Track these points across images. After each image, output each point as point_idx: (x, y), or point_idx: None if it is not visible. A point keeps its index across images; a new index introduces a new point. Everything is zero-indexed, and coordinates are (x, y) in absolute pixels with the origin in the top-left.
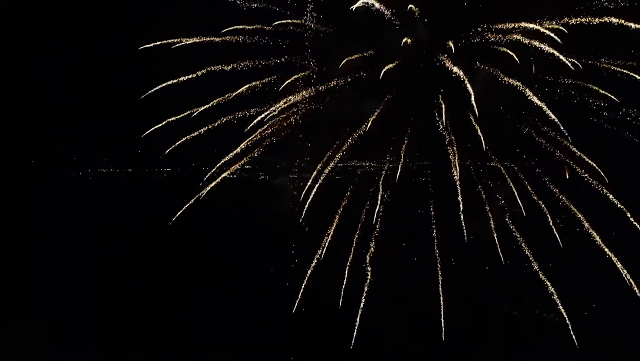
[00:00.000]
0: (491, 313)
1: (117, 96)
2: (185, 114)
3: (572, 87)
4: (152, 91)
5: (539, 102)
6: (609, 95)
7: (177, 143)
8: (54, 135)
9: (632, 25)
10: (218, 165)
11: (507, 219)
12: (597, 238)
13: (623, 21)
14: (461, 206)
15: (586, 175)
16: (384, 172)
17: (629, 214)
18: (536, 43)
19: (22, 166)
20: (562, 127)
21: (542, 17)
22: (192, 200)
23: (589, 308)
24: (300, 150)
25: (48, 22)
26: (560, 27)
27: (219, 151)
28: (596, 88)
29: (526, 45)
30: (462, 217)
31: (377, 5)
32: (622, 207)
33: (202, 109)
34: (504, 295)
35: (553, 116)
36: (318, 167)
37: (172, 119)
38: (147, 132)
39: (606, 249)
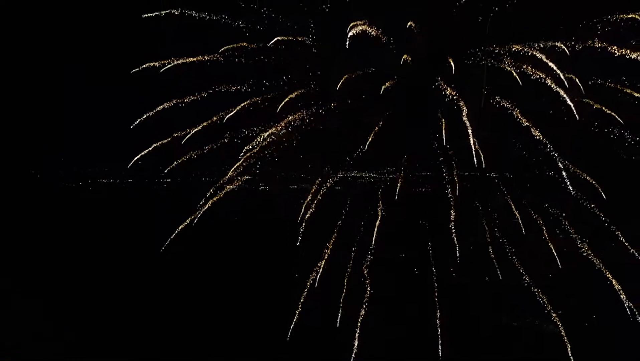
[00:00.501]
0: (490, 324)
1: (118, 110)
2: (187, 130)
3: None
4: (156, 110)
5: (526, 123)
6: (611, 112)
7: (180, 160)
8: (54, 145)
9: (615, 49)
10: (219, 182)
11: (505, 230)
12: (590, 252)
13: (605, 44)
14: (452, 217)
15: (576, 190)
16: (383, 183)
17: (619, 234)
18: (525, 66)
19: (22, 176)
20: (549, 146)
21: (533, 40)
22: (190, 218)
23: (589, 319)
24: (301, 161)
25: (50, 31)
26: (558, 44)
27: (220, 163)
28: (590, 101)
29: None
30: (453, 229)
31: (373, 32)
32: (612, 226)
33: (205, 124)
34: (503, 306)
35: (540, 135)
36: (318, 179)
37: (177, 134)
38: (141, 151)
39: (600, 264)
